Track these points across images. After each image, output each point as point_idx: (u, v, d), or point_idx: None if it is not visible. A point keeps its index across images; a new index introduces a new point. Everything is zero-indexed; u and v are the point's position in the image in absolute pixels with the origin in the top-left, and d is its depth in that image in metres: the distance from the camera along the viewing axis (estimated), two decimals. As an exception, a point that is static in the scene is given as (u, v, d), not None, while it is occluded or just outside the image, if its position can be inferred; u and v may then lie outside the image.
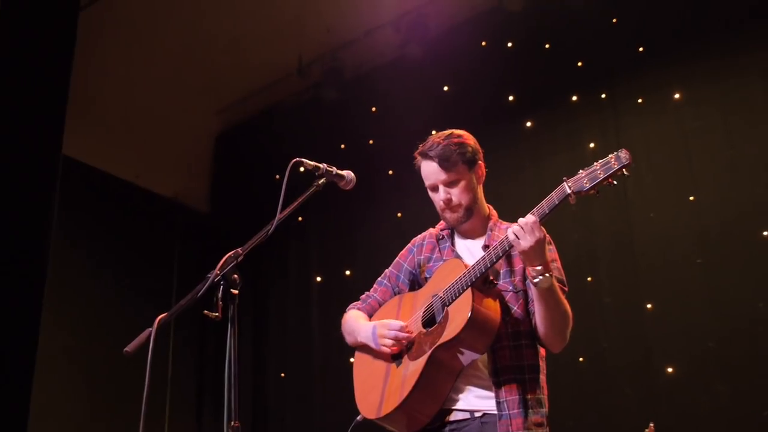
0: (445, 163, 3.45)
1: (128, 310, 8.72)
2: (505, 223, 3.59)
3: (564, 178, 3.11)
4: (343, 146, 8.62)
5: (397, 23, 8.31)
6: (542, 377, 3.38)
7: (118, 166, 9.06)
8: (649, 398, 6.24)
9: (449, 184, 3.48)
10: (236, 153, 9.78)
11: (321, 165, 3.26)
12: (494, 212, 3.66)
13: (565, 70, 7.47)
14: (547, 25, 7.66)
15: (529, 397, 3.25)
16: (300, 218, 8.79)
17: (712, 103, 6.55)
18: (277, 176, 9.34)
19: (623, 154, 3.04)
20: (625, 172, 3.03)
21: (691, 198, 6.46)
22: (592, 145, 7.09)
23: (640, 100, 6.96)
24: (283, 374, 8.63)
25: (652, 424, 4.60)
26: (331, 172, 3.27)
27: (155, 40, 8.45)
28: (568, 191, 3.07)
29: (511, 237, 3.08)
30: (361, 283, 8.26)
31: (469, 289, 3.22)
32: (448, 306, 3.29)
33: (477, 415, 3.28)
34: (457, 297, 3.25)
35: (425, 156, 3.52)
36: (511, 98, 7.72)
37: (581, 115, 7.30)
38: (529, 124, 7.46)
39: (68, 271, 8.11)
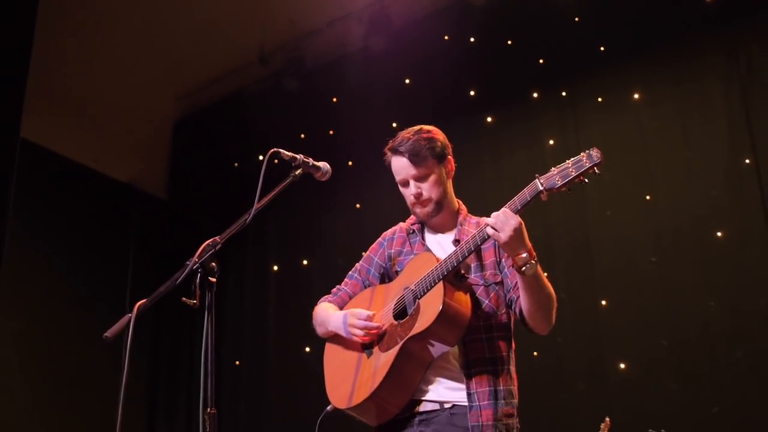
0: (414, 158, 3.47)
1: (83, 294, 8.67)
2: (474, 217, 3.62)
3: (536, 174, 3.12)
4: (303, 136, 8.59)
5: (360, 15, 8.30)
6: (513, 369, 3.41)
7: (76, 150, 8.94)
8: (601, 393, 6.32)
9: (419, 179, 3.49)
10: (195, 140, 9.71)
11: (298, 156, 3.24)
12: (464, 207, 3.68)
13: (527, 66, 7.51)
14: (509, 21, 7.68)
15: (500, 388, 3.29)
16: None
17: (670, 104, 6.63)
18: (236, 164, 9.31)
19: (594, 153, 3.05)
20: (597, 171, 3.05)
21: (648, 197, 6.54)
22: (551, 142, 7.15)
23: (599, 99, 7.03)
24: (238, 362, 8.60)
25: (608, 419, 4.63)
26: (308, 163, 3.25)
27: (116, 24, 8.37)
28: (541, 188, 3.08)
29: (491, 232, 3.08)
30: (318, 272, 8.34)
31: (441, 282, 3.24)
32: (419, 298, 3.31)
33: (447, 406, 3.30)
34: (428, 290, 3.27)
35: (395, 152, 3.53)
36: (472, 93, 7.76)
37: (541, 112, 7.36)
38: (489, 119, 7.49)
39: (22, 254, 8.02)
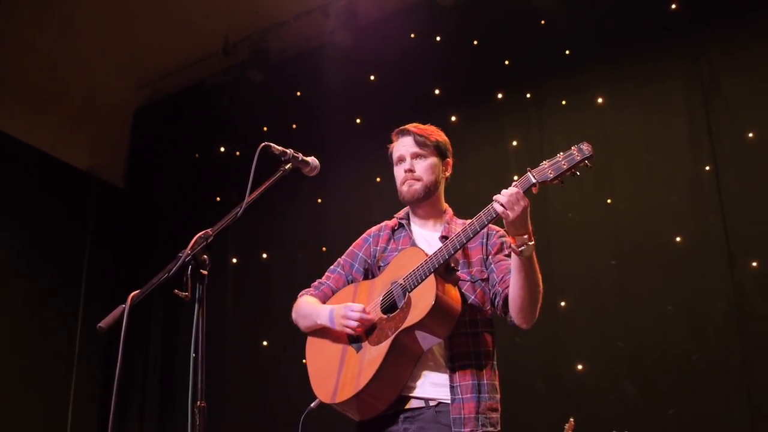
0: (419, 138, 3.63)
1: (36, 284, 8.53)
2: (460, 219, 3.67)
3: (528, 168, 3.15)
4: (265, 129, 8.54)
5: (327, 9, 8.26)
6: (496, 364, 3.46)
7: (33, 135, 8.82)
8: (559, 393, 6.37)
9: (417, 157, 3.62)
10: (156, 129, 9.61)
11: (288, 150, 3.24)
12: (450, 209, 3.75)
13: (492, 67, 7.55)
14: (476, 21, 7.72)
15: (483, 382, 3.33)
16: (218, 198, 8.70)
17: (633, 109, 6.71)
18: (197, 155, 9.24)
19: (585, 147, 3.11)
20: (588, 164, 3.11)
21: (609, 201, 6.62)
22: (515, 143, 7.19)
23: (563, 102, 7.08)
24: (194, 354, 8.50)
25: (572, 419, 4.68)
26: (297, 157, 3.25)
27: (78, 8, 8.24)
28: (533, 180, 3.11)
29: (499, 209, 3.11)
30: (278, 266, 8.30)
31: (432, 275, 3.26)
32: (410, 292, 3.32)
33: (432, 404, 3.32)
34: (419, 283, 3.29)
35: (403, 132, 3.70)
36: (437, 92, 7.78)
37: (505, 113, 7.40)
38: (453, 118, 7.51)
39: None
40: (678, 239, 6.26)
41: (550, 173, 3.11)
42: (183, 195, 9.19)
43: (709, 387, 5.82)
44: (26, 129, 8.72)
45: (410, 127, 3.68)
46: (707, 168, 6.26)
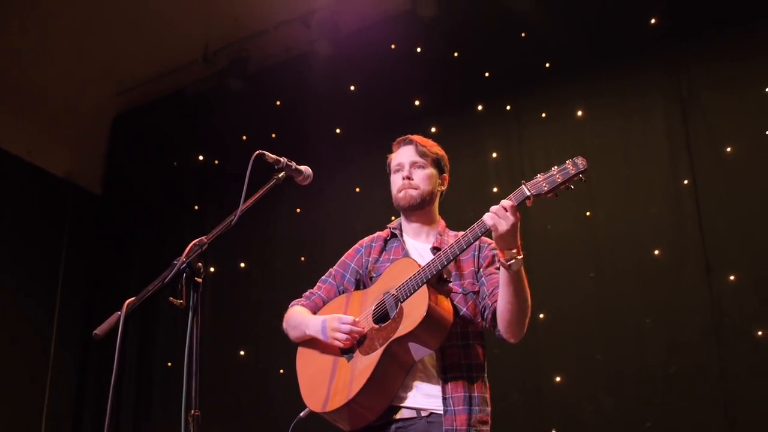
0: (420, 148, 3.69)
1: (10, 291, 8.45)
2: (452, 231, 3.69)
3: (522, 181, 3.17)
4: (245, 138, 8.52)
5: (307, 19, 8.24)
6: (486, 376, 3.47)
7: (9, 141, 8.75)
8: (536, 405, 6.37)
9: (416, 166, 3.67)
10: (134, 136, 9.54)
11: (281, 159, 3.27)
12: (443, 222, 3.77)
13: (472, 79, 7.57)
14: (457, 33, 7.73)
15: (474, 395, 3.34)
16: (196, 207, 8.65)
17: (612, 122, 6.74)
18: (175, 163, 9.20)
19: (579, 161, 3.13)
20: (582, 178, 3.13)
21: (588, 213, 6.63)
22: (494, 154, 7.20)
23: (543, 114, 7.10)
24: (169, 363, 8.47)
25: (554, 430, 4.68)
26: (291, 166, 3.29)
27: (57, 14, 8.18)
28: (528, 193, 3.14)
29: (489, 222, 3.13)
30: (256, 275, 8.26)
31: (425, 285, 3.27)
32: (402, 302, 3.33)
33: (423, 414, 3.31)
34: (411, 293, 3.30)
35: (405, 141, 3.76)
36: (417, 103, 7.78)
37: (485, 125, 7.41)
38: (433, 129, 7.49)
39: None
40: (656, 252, 6.28)
41: (545, 186, 3.13)
42: (161, 203, 9.14)
43: (687, 399, 5.84)
44: (2, 134, 8.64)
45: (413, 136, 3.74)
46: (686, 181, 6.29)
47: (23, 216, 8.81)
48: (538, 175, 3.16)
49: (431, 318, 3.22)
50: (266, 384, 7.69)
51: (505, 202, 3.13)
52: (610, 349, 6.23)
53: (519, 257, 3.16)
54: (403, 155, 3.71)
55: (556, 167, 3.15)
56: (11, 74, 8.47)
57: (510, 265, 3.15)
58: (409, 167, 3.65)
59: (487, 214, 3.15)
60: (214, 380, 8.05)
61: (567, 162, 3.14)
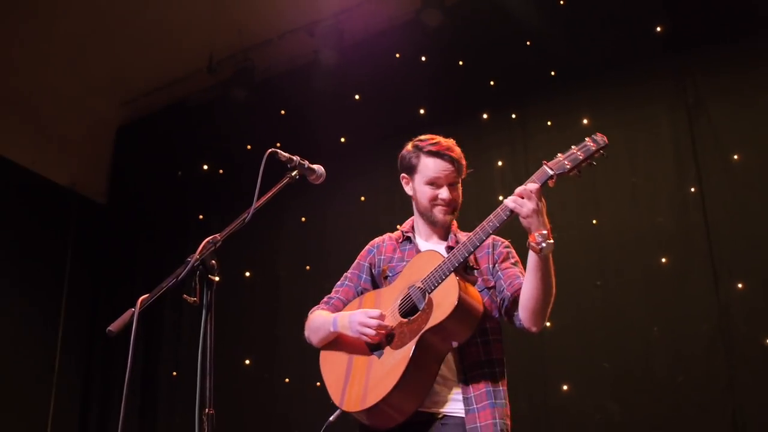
0: (458, 165, 3.63)
1: (16, 299, 8.46)
2: (463, 232, 3.65)
3: (543, 161, 3.15)
4: (249, 147, 8.51)
5: (312, 28, 8.26)
6: (505, 371, 3.42)
7: (14, 151, 8.76)
8: (543, 414, 6.34)
9: (453, 185, 3.62)
10: (138, 145, 9.56)
11: (294, 157, 3.24)
12: (455, 222, 3.74)
13: (477, 87, 7.56)
14: (462, 42, 7.73)
15: (497, 389, 3.31)
16: (201, 216, 8.64)
17: (618, 130, 6.67)
18: (180, 172, 9.19)
19: (599, 137, 3.13)
20: (603, 153, 3.12)
21: (594, 222, 6.61)
22: (500, 163, 7.18)
23: (549, 123, 7.08)
24: (175, 373, 8.45)
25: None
26: (303, 165, 3.25)
27: (62, 25, 8.22)
28: (550, 172, 3.12)
29: (511, 205, 3.11)
30: (261, 284, 8.24)
31: (453, 274, 3.25)
32: (430, 293, 3.29)
33: (438, 417, 3.29)
34: (439, 283, 3.26)
35: (442, 156, 3.61)
36: (422, 111, 7.76)
37: (491, 133, 7.39)
38: (438, 138, 7.48)
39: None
40: (663, 260, 6.26)
41: (567, 164, 3.12)
42: (165, 212, 9.14)
43: (695, 408, 5.81)
44: (7, 144, 8.66)
45: (449, 152, 3.62)
46: (692, 189, 6.27)
47: (28, 225, 8.82)
48: (558, 155, 3.15)
49: (462, 305, 3.19)
50: (272, 393, 7.67)
51: (531, 185, 3.10)
52: (616, 358, 6.19)
53: (550, 241, 3.10)
54: (441, 171, 3.59)
55: (575, 146, 3.15)
56: (16, 84, 8.49)
57: (541, 248, 3.09)
58: (449, 187, 3.59)
59: (509, 197, 3.13)
60: (220, 389, 8.01)
61: (586, 139, 3.15)
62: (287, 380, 7.38)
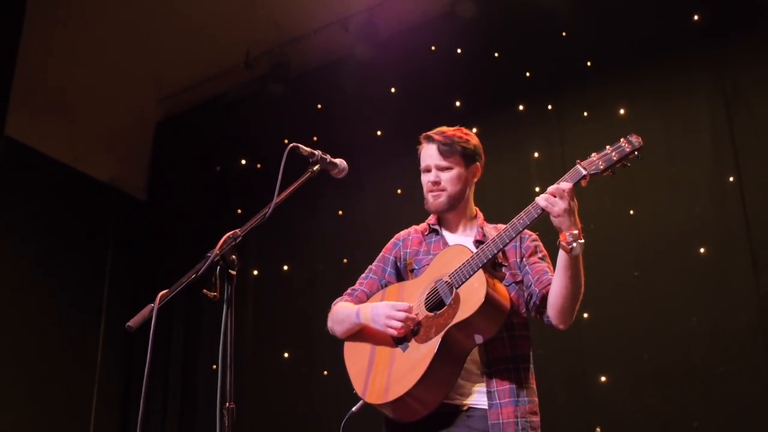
0: (444, 147, 3.57)
1: (58, 294, 8.58)
2: (491, 224, 3.65)
3: (577, 160, 3.16)
4: (286, 141, 8.49)
5: (347, 23, 8.29)
6: (532, 367, 3.43)
7: (56, 148, 8.87)
8: (582, 406, 6.32)
9: (442, 169, 3.58)
10: (177, 141, 9.66)
11: (316, 152, 3.24)
12: (481, 214, 3.72)
13: (513, 79, 7.54)
14: (497, 33, 7.71)
15: (521, 386, 3.30)
16: (239, 211, 8.71)
17: (655, 120, 6.65)
18: (218, 167, 9.27)
19: (634, 138, 3.13)
20: (638, 155, 3.12)
21: (631, 212, 6.57)
22: (536, 154, 7.16)
23: (585, 113, 7.04)
24: (214, 366, 8.53)
25: (598, 429, 4.63)
26: (325, 159, 3.25)
27: (102, 23, 8.35)
28: (583, 172, 3.12)
29: (543, 203, 3.11)
30: (298, 278, 8.29)
31: (481, 270, 3.23)
32: (457, 288, 3.28)
33: (463, 408, 3.29)
34: (467, 279, 3.25)
35: (429, 139, 3.63)
36: (458, 104, 7.76)
37: (527, 125, 7.37)
38: (474, 130, 7.39)
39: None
40: (702, 250, 6.20)
41: (601, 164, 3.12)
42: (204, 207, 9.20)
43: (735, 399, 5.75)
44: (48, 141, 8.77)
45: (435, 134, 3.61)
46: (731, 179, 6.20)
47: (69, 221, 8.94)
48: (593, 154, 3.15)
49: (490, 302, 3.18)
50: (310, 385, 7.72)
51: (564, 184, 3.10)
52: (655, 349, 6.14)
53: (581, 241, 3.10)
54: (428, 157, 3.61)
55: (609, 146, 3.15)
56: (55, 82, 8.60)
57: (572, 248, 3.09)
58: (436, 170, 3.58)
59: (541, 195, 3.13)
60: (258, 383, 8.10)
61: (621, 140, 3.14)
62: (325, 373, 7.43)
